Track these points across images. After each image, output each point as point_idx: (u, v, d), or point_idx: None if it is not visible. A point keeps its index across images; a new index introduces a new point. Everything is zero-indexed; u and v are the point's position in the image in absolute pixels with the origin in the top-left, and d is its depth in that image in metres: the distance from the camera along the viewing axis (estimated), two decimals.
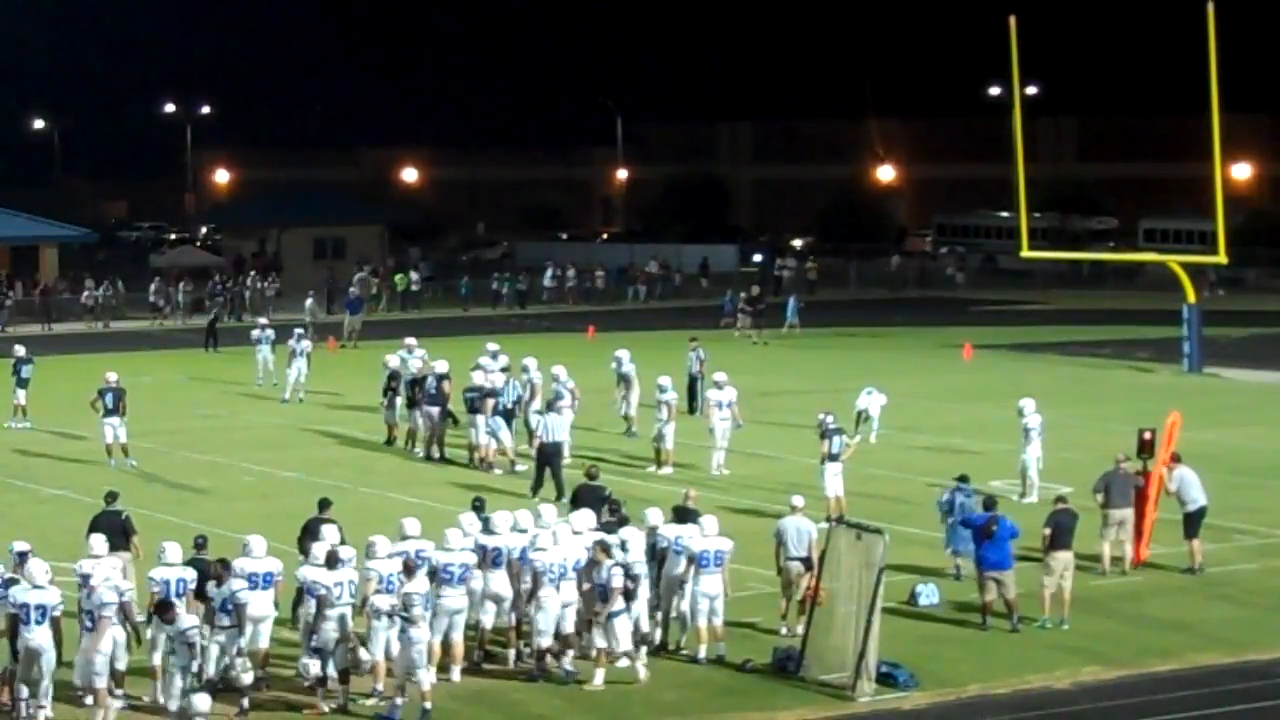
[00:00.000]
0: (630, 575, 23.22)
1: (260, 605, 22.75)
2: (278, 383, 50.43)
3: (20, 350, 45.74)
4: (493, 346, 42.28)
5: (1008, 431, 36.34)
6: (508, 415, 38.41)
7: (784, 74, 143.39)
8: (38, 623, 21.22)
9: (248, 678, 21.77)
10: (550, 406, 36.82)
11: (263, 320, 56.84)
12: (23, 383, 44.68)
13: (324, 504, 25.85)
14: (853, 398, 41.13)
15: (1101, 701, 22.64)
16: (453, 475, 37.30)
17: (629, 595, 23.13)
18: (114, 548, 24.40)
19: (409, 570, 22.40)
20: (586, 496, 27.22)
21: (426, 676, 21.79)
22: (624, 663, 23.09)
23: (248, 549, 23.11)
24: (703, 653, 24.06)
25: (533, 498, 33.62)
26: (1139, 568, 28.77)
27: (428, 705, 21.60)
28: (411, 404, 39.94)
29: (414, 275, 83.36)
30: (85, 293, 76.33)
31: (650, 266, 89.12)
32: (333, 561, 22.55)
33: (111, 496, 26.67)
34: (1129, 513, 28.66)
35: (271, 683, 22.82)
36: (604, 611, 22.99)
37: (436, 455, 39.17)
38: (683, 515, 25.45)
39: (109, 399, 38.74)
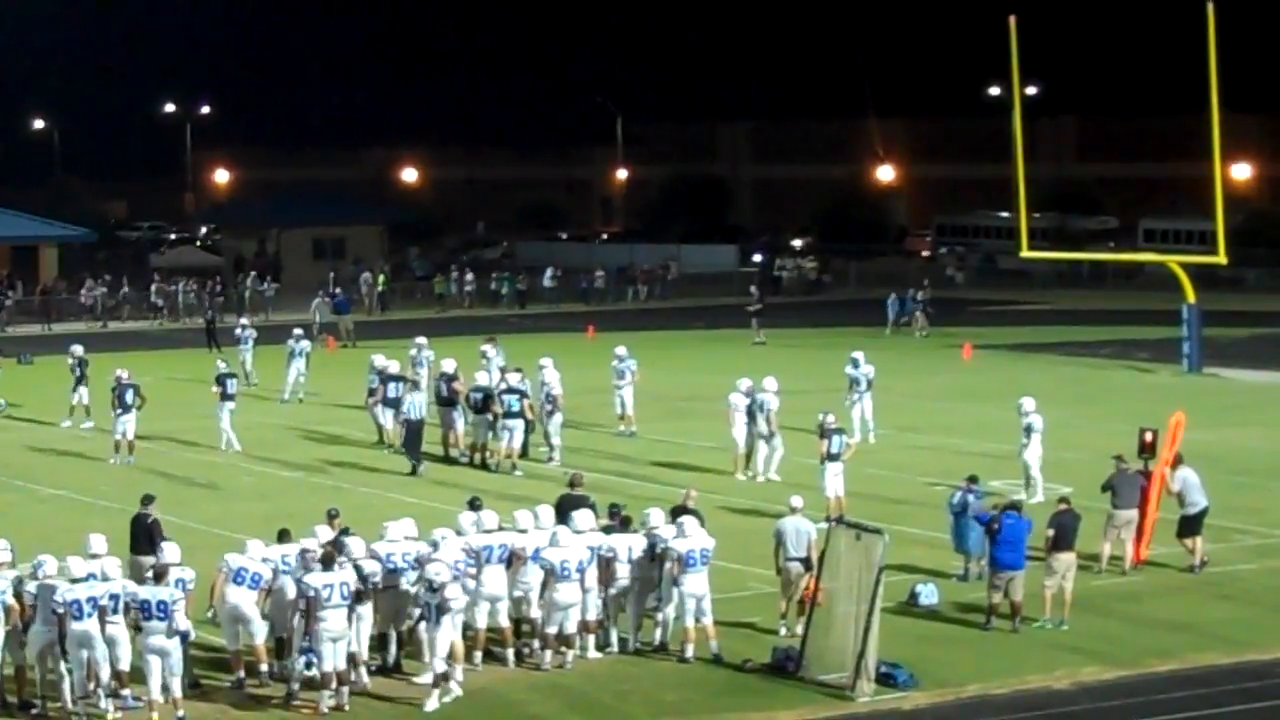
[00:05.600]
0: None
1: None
2: (257, 383, 50.54)
3: (79, 350, 45.14)
4: (489, 347, 42.32)
5: (1008, 431, 36.32)
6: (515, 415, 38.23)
7: (784, 74, 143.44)
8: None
9: None
10: (417, 386, 38.38)
11: (244, 320, 56.81)
12: (85, 380, 44.16)
13: (332, 515, 24.99)
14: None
15: (1101, 701, 22.64)
16: (453, 475, 37.31)
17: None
18: (140, 551, 24.83)
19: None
20: (569, 506, 26.21)
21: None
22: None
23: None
24: (690, 651, 23.92)
25: (414, 474, 36.44)
26: (1138, 567, 28.78)
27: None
28: (446, 403, 39.07)
29: (383, 275, 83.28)
30: (84, 292, 76.29)
31: (647, 265, 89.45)
32: (328, 562, 22.47)
33: (147, 499, 26.45)
34: (1135, 513, 28.71)
35: (269, 681, 22.85)
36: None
37: (464, 459, 38.90)
38: (681, 515, 25.40)
39: (126, 395, 38.86)
